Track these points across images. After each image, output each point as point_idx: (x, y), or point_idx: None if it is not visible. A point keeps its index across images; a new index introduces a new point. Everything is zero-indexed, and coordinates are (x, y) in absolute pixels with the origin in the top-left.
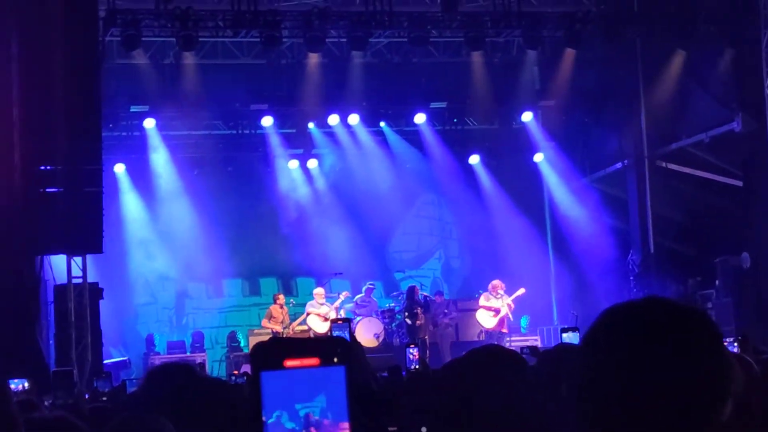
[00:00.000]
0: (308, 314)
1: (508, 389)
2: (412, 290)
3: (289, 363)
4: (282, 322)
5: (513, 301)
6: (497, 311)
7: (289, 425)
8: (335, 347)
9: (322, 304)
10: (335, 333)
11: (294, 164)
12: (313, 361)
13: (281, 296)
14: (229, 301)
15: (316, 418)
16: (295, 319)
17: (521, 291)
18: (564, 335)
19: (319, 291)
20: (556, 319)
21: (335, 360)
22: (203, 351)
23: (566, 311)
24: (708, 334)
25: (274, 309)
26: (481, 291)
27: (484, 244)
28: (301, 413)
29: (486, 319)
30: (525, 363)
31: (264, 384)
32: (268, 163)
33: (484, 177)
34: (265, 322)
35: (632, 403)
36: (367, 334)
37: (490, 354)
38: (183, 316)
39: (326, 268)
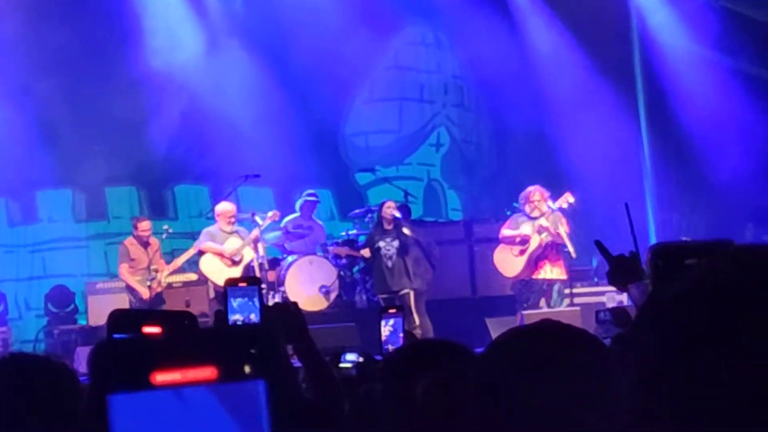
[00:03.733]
0: (202, 252)
1: (578, 402)
2: (394, 208)
3: (160, 378)
4: (146, 269)
5: (559, 216)
6: (524, 242)
7: None
8: (246, 341)
9: (230, 233)
10: (235, 303)
11: None
12: (207, 372)
13: (144, 222)
14: (50, 230)
15: None
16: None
17: (566, 198)
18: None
19: (226, 208)
20: None
21: (246, 369)
22: (4, 324)
23: (675, 237)
24: None
25: (132, 245)
26: (517, 205)
27: (523, 118)
28: None
29: (506, 262)
30: (605, 350)
31: (115, 421)
32: None
33: None
34: (123, 269)
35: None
36: (308, 286)
37: (539, 343)
38: None
39: (230, 167)
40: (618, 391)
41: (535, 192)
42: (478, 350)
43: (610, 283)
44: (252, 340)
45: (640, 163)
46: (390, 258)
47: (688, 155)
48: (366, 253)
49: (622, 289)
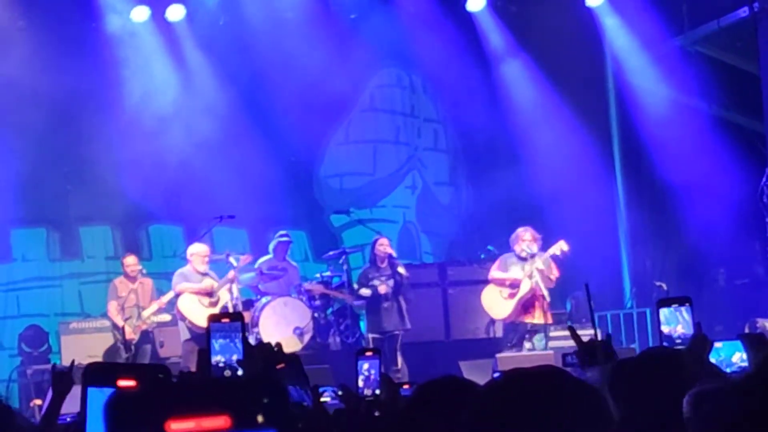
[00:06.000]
0: (179, 294)
1: None
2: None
3: (175, 426)
4: (133, 307)
5: (550, 261)
6: (515, 285)
7: None
8: (258, 392)
9: (204, 274)
10: (216, 344)
11: (141, 14)
12: (220, 421)
13: (129, 257)
14: (24, 269)
15: None
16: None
17: (560, 246)
18: (663, 325)
19: (199, 249)
20: (630, 298)
21: (259, 419)
22: None
23: (648, 283)
24: None
25: (122, 283)
26: (492, 249)
27: (498, 162)
28: None
29: (495, 303)
30: (600, 400)
31: None
32: (92, 12)
33: (494, 36)
34: (111, 307)
35: None
36: (282, 327)
37: (542, 386)
38: None
39: (205, 208)
40: None
41: (526, 232)
42: None
43: (579, 363)
44: (264, 388)
45: (615, 207)
46: (386, 298)
47: (662, 200)
48: (365, 292)
49: (583, 369)
